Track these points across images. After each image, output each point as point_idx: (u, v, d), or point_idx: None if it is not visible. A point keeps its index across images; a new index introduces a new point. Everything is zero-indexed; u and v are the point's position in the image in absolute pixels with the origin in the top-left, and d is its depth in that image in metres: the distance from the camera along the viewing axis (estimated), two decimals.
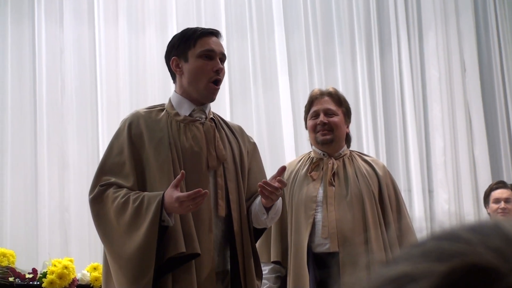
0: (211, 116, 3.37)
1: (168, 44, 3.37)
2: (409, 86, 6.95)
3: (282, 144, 6.54)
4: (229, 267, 3.23)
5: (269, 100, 6.65)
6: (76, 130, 5.96)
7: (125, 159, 3.14)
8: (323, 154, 3.93)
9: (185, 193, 2.92)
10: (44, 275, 5.02)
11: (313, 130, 3.93)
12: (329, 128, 3.89)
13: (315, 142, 3.94)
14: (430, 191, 6.83)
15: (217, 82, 3.27)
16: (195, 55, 3.24)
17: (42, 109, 5.88)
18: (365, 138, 6.78)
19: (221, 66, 3.27)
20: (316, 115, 3.92)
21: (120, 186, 3.10)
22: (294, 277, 3.68)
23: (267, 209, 3.22)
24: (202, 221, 3.13)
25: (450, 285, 0.60)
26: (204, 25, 6.55)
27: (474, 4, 7.21)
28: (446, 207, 6.62)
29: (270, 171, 6.02)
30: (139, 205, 3.00)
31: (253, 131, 6.51)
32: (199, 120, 3.29)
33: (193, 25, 6.48)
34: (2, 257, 5.07)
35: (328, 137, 3.88)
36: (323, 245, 3.71)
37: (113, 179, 3.11)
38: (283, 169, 3.19)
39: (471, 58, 7.08)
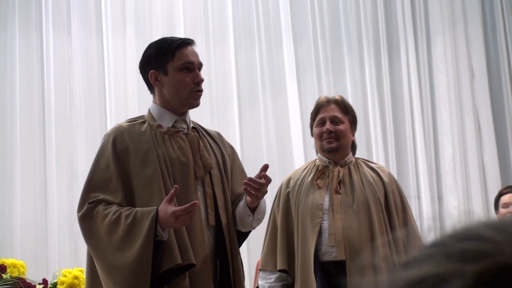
0: (192, 125, 3.39)
1: (144, 55, 3.37)
2: (417, 92, 6.94)
3: (291, 151, 6.53)
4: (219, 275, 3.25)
5: (277, 108, 6.66)
6: (85, 140, 5.97)
7: (111, 174, 3.14)
8: (329, 162, 3.92)
9: (181, 207, 2.93)
10: (55, 285, 5.03)
11: (319, 138, 3.92)
12: (335, 136, 3.88)
13: (321, 149, 3.94)
14: (440, 198, 6.82)
15: (199, 91, 3.30)
16: (174, 68, 3.26)
17: (51, 119, 5.90)
18: (374, 144, 6.78)
19: (201, 77, 3.30)
20: (322, 122, 3.92)
21: (109, 203, 3.10)
22: (301, 285, 3.68)
23: (252, 210, 3.27)
24: (195, 232, 3.15)
25: (483, 284, 0.60)
26: (212, 33, 6.57)
27: (482, 9, 7.19)
28: (456, 213, 6.60)
29: (279, 178, 6.04)
30: (132, 221, 3.01)
31: (261, 139, 6.52)
32: (182, 131, 3.31)
33: (201, 34, 6.51)
34: (12, 267, 5.08)
35: (333, 145, 3.88)
36: (330, 253, 3.71)
37: (101, 196, 3.11)
38: (266, 166, 3.22)
39: (479, 63, 7.06)
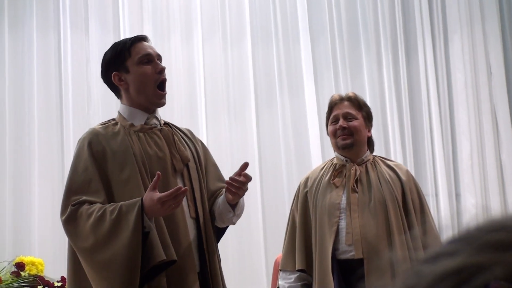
0: (163, 121, 3.42)
1: (102, 63, 3.39)
2: (434, 90, 6.92)
3: (309, 150, 6.53)
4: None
5: (295, 107, 6.65)
6: None
7: (91, 176, 3.14)
8: (346, 160, 3.92)
9: (166, 193, 2.93)
10: None
11: (334, 135, 3.92)
12: (349, 132, 3.87)
13: (336, 147, 3.93)
14: (457, 195, 6.79)
15: (162, 86, 3.32)
16: (134, 63, 3.29)
17: (69, 118, 5.92)
18: (392, 142, 6.76)
19: (162, 66, 3.33)
20: (336, 120, 3.91)
21: (92, 203, 3.09)
22: (319, 284, 3.68)
23: (233, 206, 3.29)
24: (178, 225, 3.16)
25: None
26: (229, 32, 6.58)
27: (499, 7, 7.16)
28: (473, 211, 6.57)
29: (296, 177, 6.03)
30: (117, 215, 3.00)
31: (279, 138, 6.52)
32: (156, 127, 3.32)
33: (218, 33, 6.53)
34: (31, 265, 5.11)
35: (348, 141, 3.87)
36: (347, 252, 3.70)
37: (83, 197, 3.10)
38: (246, 164, 3.23)
39: (497, 61, 7.02)
